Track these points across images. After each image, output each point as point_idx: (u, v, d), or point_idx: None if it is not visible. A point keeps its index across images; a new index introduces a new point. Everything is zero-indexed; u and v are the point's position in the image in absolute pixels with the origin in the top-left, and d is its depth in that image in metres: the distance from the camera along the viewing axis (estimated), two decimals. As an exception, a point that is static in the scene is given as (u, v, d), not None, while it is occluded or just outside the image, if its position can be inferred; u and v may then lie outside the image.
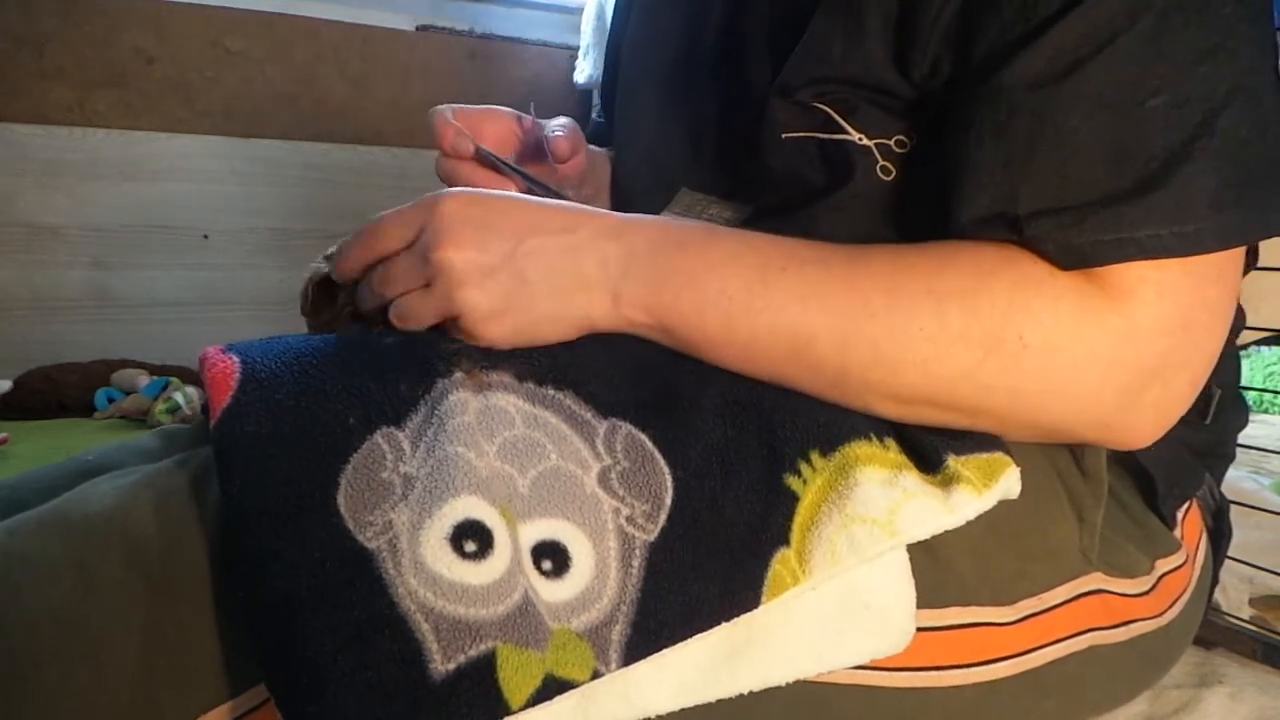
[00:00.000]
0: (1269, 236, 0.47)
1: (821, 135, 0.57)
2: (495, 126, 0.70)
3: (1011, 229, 0.47)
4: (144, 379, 1.60)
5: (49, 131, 1.73)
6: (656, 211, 0.67)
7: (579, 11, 2.00)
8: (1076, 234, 0.45)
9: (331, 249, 0.60)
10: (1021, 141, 0.46)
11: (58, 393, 1.59)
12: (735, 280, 0.50)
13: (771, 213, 0.58)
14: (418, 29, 2.00)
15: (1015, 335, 0.46)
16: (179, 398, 1.52)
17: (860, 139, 0.55)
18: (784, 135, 0.58)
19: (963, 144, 0.49)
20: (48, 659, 0.40)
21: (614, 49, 0.89)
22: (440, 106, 0.68)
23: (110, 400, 1.57)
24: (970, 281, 0.47)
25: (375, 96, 1.97)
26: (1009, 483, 0.50)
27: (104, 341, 1.77)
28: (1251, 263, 0.64)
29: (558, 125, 0.67)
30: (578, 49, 2.04)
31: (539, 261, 0.50)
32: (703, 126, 0.70)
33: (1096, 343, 0.46)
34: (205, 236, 1.86)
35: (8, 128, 1.69)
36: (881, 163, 0.56)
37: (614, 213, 0.54)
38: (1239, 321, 0.67)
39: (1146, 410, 0.49)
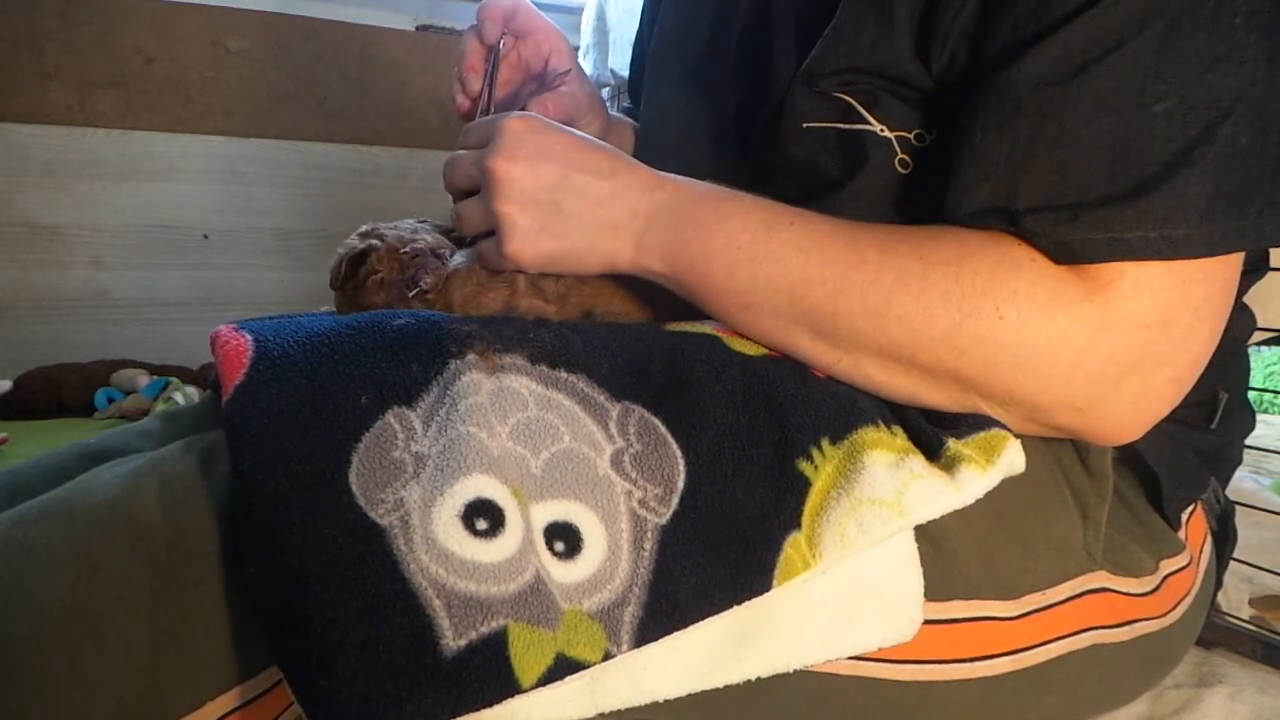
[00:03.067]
0: (1259, 246, 0.48)
1: (842, 126, 0.58)
2: (537, 41, 0.74)
3: (1009, 222, 0.48)
4: (144, 379, 1.60)
5: (49, 131, 1.72)
6: None
7: (579, 11, 2.00)
8: (1069, 231, 0.46)
9: (366, 227, 0.62)
10: (1024, 138, 0.47)
11: (58, 393, 1.58)
12: (743, 232, 0.53)
13: (789, 202, 0.59)
14: (418, 29, 2.00)
15: (992, 306, 0.48)
16: (179, 397, 1.52)
17: (882, 130, 0.57)
18: (805, 125, 0.60)
19: (968, 135, 0.50)
20: (54, 647, 0.40)
21: (640, 47, 0.92)
22: None
23: (110, 400, 1.57)
24: (957, 253, 0.49)
25: (375, 96, 1.97)
26: (1012, 456, 0.51)
27: (104, 341, 1.77)
28: (1263, 267, 0.64)
29: (554, 97, 0.72)
30: (578, 49, 2.04)
31: (578, 198, 0.55)
32: (726, 120, 0.72)
33: (1069, 327, 0.47)
34: (205, 236, 1.86)
35: (8, 128, 1.69)
36: (900, 155, 0.57)
37: (646, 167, 0.58)
38: (1249, 326, 0.67)
39: (1125, 403, 0.49)
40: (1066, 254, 0.47)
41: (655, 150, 0.79)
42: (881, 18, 0.54)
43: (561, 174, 0.55)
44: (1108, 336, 0.47)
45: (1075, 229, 0.46)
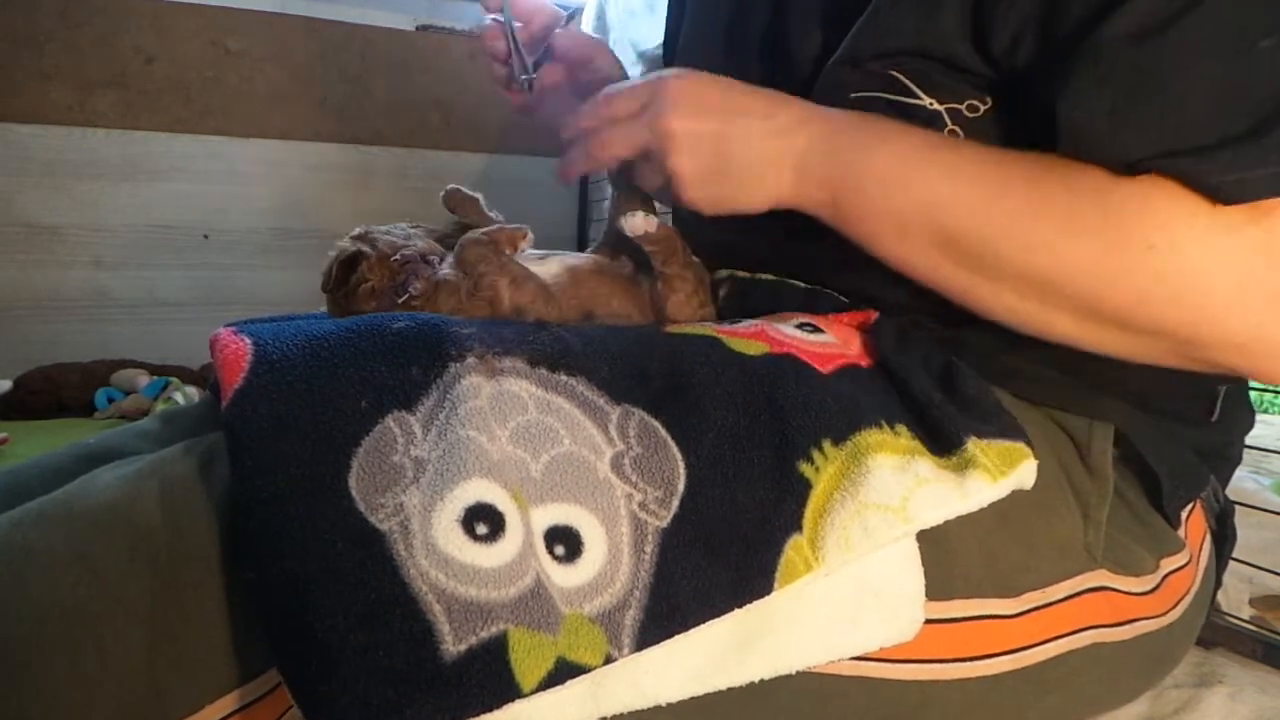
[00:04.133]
0: None
1: (889, 96, 0.59)
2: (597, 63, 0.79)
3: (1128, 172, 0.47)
4: (144, 379, 1.60)
5: (49, 131, 1.73)
6: None
7: (579, 12, 2.00)
8: (1194, 176, 0.45)
9: (358, 230, 0.63)
10: (1124, 94, 0.47)
11: (58, 393, 1.58)
12: (894, 156, 0.55)
13: None
14: (418, 29, 2.00)
15: (1142, 238, 0.47)
16: (179, 397, 1.52)
17: (931, 104, 0.57)
18: (853, 95, 0.60)
19: (1066, 101, 0.49)
20: (53, 649, 0.40)
21: (671, 39, 0.93)
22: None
23: (110, 400, 1.57)
24: (1104, 182, 0.48)
25: (375, 96, 1.97)
26: (1024, 473, 0.51)
27: (104, 341, 1.77)
28: None
29: (571, 46, 0.77)
30: (578, 49, 2.04)
31: (742, 140, 0.58)
32: None
33: (1229, 255, 0.46)
34: (205, 236, 1.86)
35: (8, 128, 1.69)
36: (950, 126, 0.57)
37: (803, 101, 0.60)
38: None
39: None
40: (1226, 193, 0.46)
41: None
42: (926, 3, 0.55)
43: (725, 120, 0.58)
44: (1271, 263, 0.45)
45: (1200, 175, 0.45)
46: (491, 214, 0.72)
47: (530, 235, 0.63)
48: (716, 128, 0.57)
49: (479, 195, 0.72)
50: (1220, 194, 0.45)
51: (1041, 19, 0.51)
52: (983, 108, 0.57)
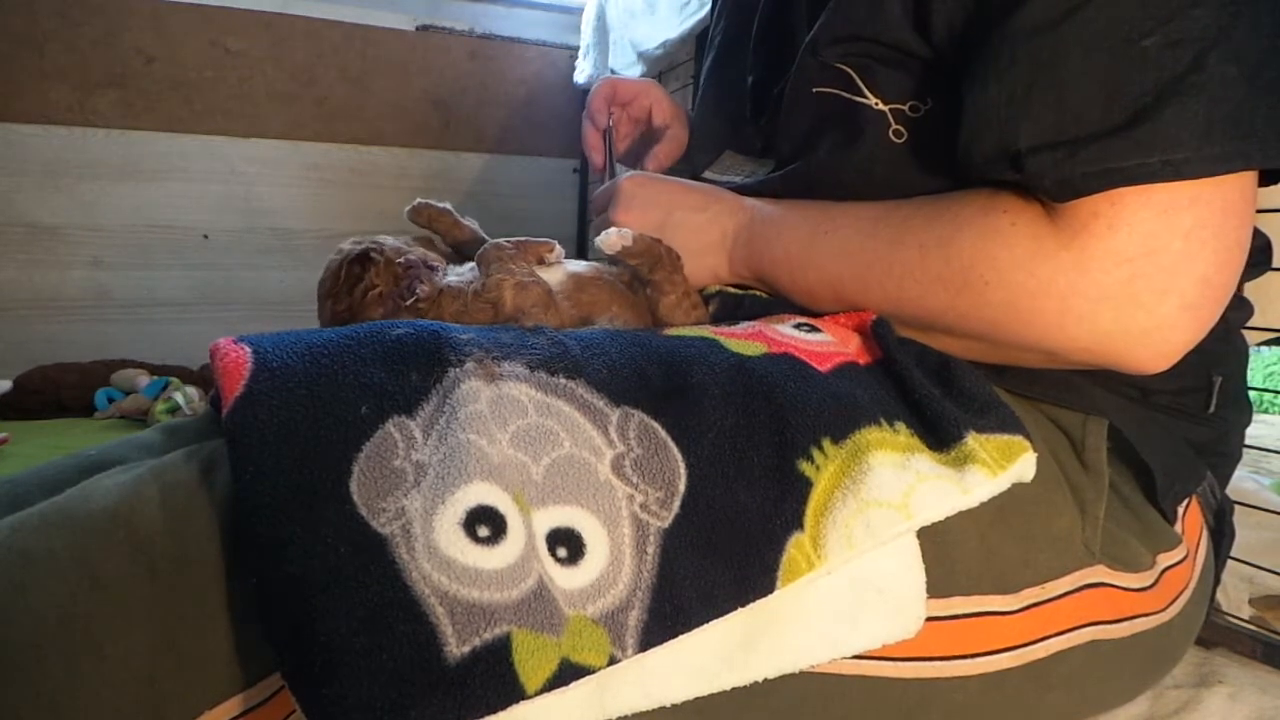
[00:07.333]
0: (1254, 167, 0.48)
1: (845, 94, 0.62)
2: (640, 101, 0.94)
3: (1014, 166, 0.50)
4: (144, 379, 1.60)
5: (49, 131, 1.73)
6: (703, 165, 0.86)
7: (579, 11, 2.01)
8: (1069, 167, 0.48)
9: (353, 240, 0.64)
10: (1022, 84, 0.50)
11: (57, 393, 1.59)
12: (794, 245, 0.64)
13: (797, 168, 0.68)
14: (418, 29, 2.00)
15: (979, 277, 0.53)
16: (179, 397, 1.52)
17: (876, 104, 0.61)
18: (814, 89, 0.64)
19: (970, 90, 0.52)
20: (53, 656, 0.40)
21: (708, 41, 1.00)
22: (606, 78, 0.94)
23: (110, 400, 1.58)
24: (947, 233, 0.55)
25: (375, 96, 1.97)
26: (1024, 467, 0.51)
27: (104, 341, 1.78)
28: (1264, 263, 0.64)
29: (663, 145, 0.91)
30: (578, 49, 2.04)
31: (681, 231, 0.69)
32: (744, 94, 0.79)
33: (1048, 276, 0.50)
34: (205, 236, 1.86)
35: (8, 128, 1.70)
36: (894, 126, 0.61)
37: (733, 194, 0.71)
38: (1245, 314, 0.67)
39: (1136, 335, 0.50)
40: (1068, 191, 0.49)
41: (694, 123, 0.93)
42: None
43: (666, 213, 0.70)
44: (1087, 277, 0.49)
45: (1074, 165, 0.48)
46: (466, 221, 0.73)
47: (559, 249, 0.67)
48: (659, 220, 0.69)
49: (448, 205, 0.74)
50: (1084, 187, 0.48)
51: (968, 10, 0.53)
52: (924, 108, 0.59)
